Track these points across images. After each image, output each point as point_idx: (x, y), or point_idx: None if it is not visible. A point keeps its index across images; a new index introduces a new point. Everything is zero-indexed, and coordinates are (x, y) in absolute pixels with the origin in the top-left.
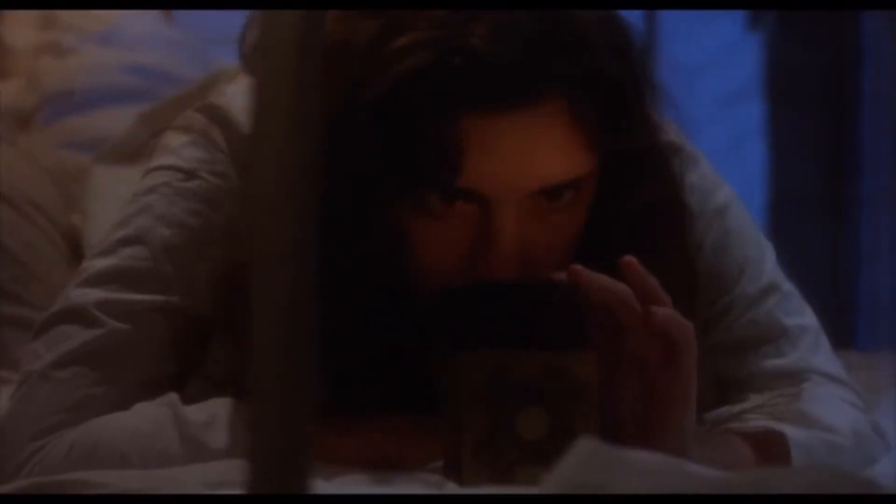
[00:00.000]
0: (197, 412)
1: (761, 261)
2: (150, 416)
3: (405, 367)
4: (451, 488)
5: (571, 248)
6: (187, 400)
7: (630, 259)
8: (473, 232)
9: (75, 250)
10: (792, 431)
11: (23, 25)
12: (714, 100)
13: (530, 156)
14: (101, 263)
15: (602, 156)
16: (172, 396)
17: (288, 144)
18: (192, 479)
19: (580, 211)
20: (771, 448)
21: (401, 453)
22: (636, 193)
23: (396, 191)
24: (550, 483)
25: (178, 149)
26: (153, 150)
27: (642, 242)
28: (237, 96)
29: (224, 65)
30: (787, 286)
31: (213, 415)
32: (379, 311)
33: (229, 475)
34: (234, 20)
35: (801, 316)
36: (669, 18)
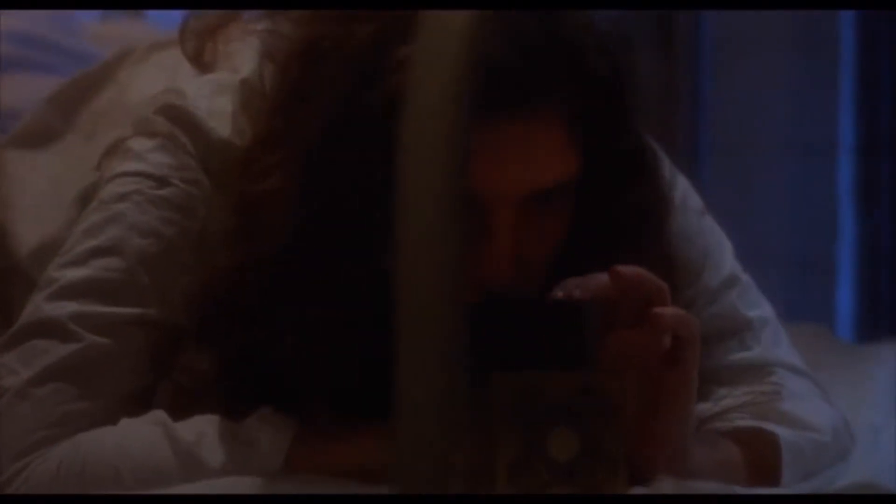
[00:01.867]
0: (185, 429)
1: (721, 253)
2: (142, 433)
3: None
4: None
5: (558, 250)
6: (156, 407)
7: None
8: (468, 235)
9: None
10: (782, 432)
11: None
12: None
13: (528, 159)
14: (72, 274)
15: (589, 158)
16: (161, 414)
17: (442, 149)
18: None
19: (567, 212)
20: (762, 448)
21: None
22: (622, 195)
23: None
24: None
25: (145, 154)
26: (113, 153)
27: (627, 242)
28: (200, 97)
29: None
30: (746, 278)
31: (202, 432)
32: (374, 316)
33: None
34: None
35: (760, 307)
36: None
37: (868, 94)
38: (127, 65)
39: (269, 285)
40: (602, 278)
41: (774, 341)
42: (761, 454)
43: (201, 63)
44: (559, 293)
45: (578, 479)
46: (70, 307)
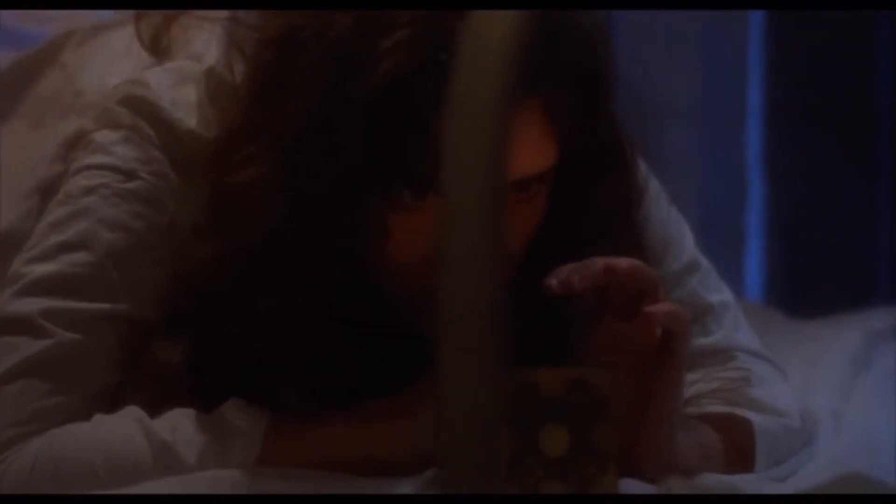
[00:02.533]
0: (160, 424)
1: (682, 238)
2: (117, 428)
3: (374, 362)
4: None
5: (531, 239)
6: (125, 402)
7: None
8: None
9: None
10: (755, 418)
11: None
12: None
13: (512, 150)
14: (41, 269)
15: (565, 148)
16: (135, 410)
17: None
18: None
19: (542, 203)
20: (737, 435)
21: (379, 448)
22: (597, 185)
23: (376, 186)
24: None
25: (111, 147)
26: (75, 145)
27: (600, 232)
28: (164, 88)
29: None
30: (705, 263)
31: (176, 426)
32: (348, 304)
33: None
34: None
35: (720, 292)
36: None
37: (776, 62)
38: (70, 48)
39: (249, 276)
40: (596, 266)
41: (735, 326)
42: (737, 441)
43: (157, 50)
44: (554, 281)
45: (571, 475)
46: (40, 303)
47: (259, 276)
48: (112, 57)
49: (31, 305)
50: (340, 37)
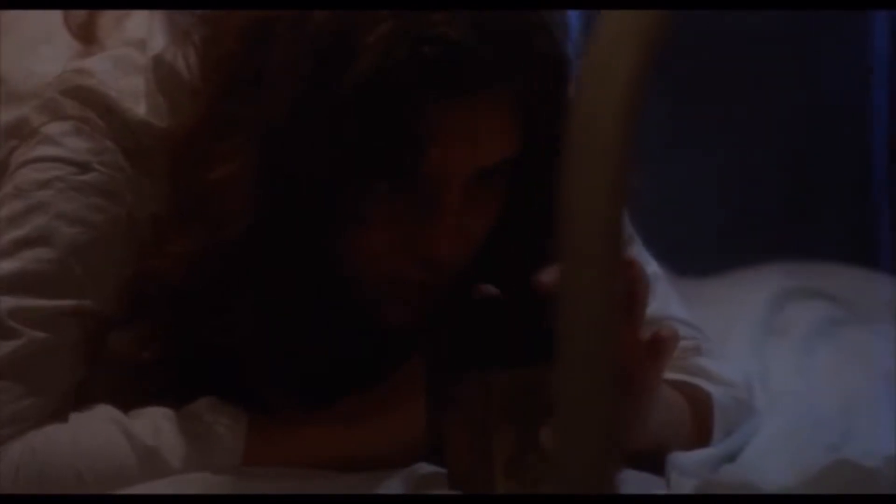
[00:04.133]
0: (140, 426)
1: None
2: (97, 431)
3: (348, 356)
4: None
5: (491, 227)
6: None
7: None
8: (416, 212)
9: None
10: (713, 390)
11: None
12: None
13: (482, 137)
14: (3, 267)
15: (527, 137)
16: (111, 410)
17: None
18: None
19: (502, 190)
20: (699, 407)
21: (364, 446)
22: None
23: (357, 178)
24: None
25: (60, 138)
26: (16, 134)
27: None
28: (109, 76)
29: None
30: (637, 236)
31: (158, 429)
32: (321, 295)
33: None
34: None
35: (651, 264)
36: None
37: None
38: None
39: (227, 271)
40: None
41: (666, 296)
42: (699, 415)
43: (87, 37)
44: (543, 279)
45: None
46: (6, 302)
47: (237, 270)
48: (30, 44)
49: None
50: (319, 30)
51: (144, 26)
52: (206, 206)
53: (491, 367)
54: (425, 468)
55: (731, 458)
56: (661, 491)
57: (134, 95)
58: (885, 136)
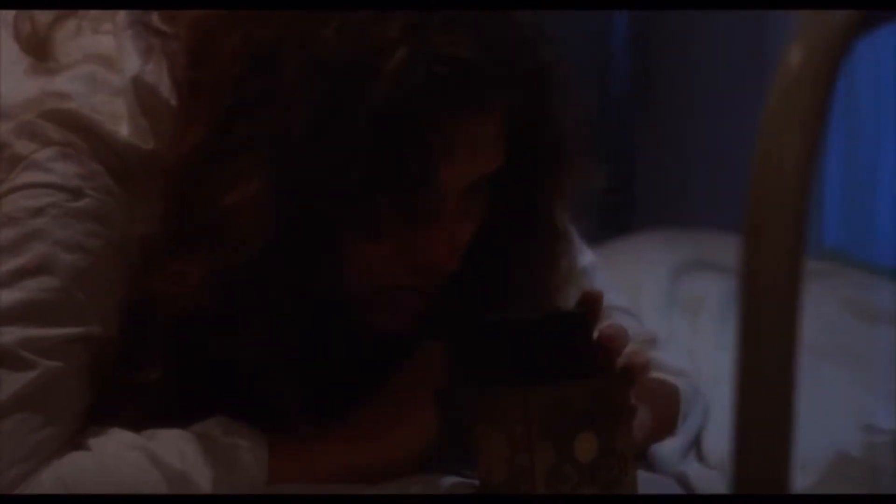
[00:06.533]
0: (165, 451)
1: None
2: (124, 459)
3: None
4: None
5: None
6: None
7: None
8: (415, 222)
9: None
10: (678, 383)
11: None
12: None
13: (482, 149)
14: (7, 297)
15: (513, 147)
16: (130, 436)
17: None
18: None
19: (485, 201)
20: (667, 401)
21: (381, 456)
22: (543, 186)
23: (373, 195)
24: None
25: (47, 164)
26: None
27: (536, 224)
28: (87, 99)
29: None
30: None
31: (183, 453)
32: (326, 309)
33: None
34: None
35: (587, 255)
36: None
37: None
38: None
39: (240, 289)
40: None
41: (604, 286)
42: (668, 410)
43: (42, 51)
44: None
45: (599, 477)
46: (15, 333)
47: (250, 287)
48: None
49: (7, 336)
50: (332, 53)
51: (104, 42)
52: (219, 227)
53: (528, 383)
54: (451, 479)
55: (694, 443)
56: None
57: (113, 117)
58: None
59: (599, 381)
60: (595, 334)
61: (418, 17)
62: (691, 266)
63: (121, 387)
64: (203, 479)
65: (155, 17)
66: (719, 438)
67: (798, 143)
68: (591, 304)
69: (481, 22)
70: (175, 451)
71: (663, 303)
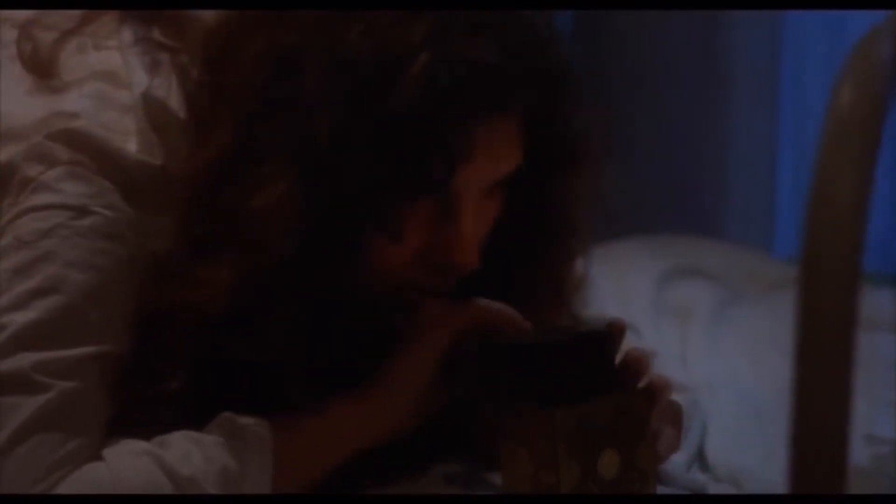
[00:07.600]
0: (172, 456)
1: None
2: (136, 467)
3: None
4: None
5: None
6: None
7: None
8: (436, 223)
9: None
10: (681, 400)
11: None
12: None
13: (502, 150)
14: (20, 320)
15: (529, 149)
16: (138, 444)
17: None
18: None
19: (500, 201)
20: (673, 420)
21: (377, 425)
22: (554, 182)
23: (397, 196)
24: None
25: (55, 184)
26: (7, 182)
27: (558, 228)
28: (96, 118)
29: None
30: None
31: (189, 455)
32: (347, 304)
33: None
34: None
35: (586, 267)
36: None
37: None
38: None
39: (268, 292)
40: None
41: (597, 295)
42: (674, 428)
43: (46, 70)
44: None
45: (621, 493)
46: (28, 357)
47: (278, 289)
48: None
49: (22, 361)
50: (357, 58)
51: (109, 58)
52: (247, 231)
53: (555, 402)
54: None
55: (697, 455)
56: None
57: (122, 133)
58: None
59: (623, 398)
60: (619, 355)
61: (441, 21)
62: (678, 273)
63: (139, 399)
64: (210, 482)
65: (157, 33)
66: (725, 450)
67: (852, 183)
68: (616, 325)
69: (502, 25)
70: (179, 454)
71: (652, 311)
